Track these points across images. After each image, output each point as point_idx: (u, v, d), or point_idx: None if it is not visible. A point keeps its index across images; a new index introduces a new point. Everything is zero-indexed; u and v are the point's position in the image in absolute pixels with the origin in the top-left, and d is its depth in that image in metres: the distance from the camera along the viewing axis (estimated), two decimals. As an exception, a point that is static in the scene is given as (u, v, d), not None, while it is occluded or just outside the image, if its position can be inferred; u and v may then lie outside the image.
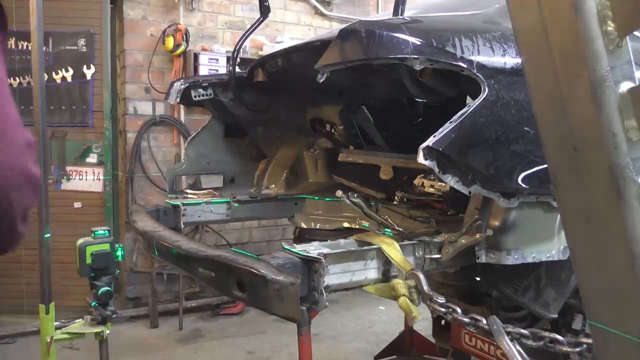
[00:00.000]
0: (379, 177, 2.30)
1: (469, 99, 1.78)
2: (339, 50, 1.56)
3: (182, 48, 4.27)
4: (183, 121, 4.43)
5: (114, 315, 1.69)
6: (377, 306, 4.46)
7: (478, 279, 1.89)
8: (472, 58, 1.51)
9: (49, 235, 1.70)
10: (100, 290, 1.65)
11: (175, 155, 4.42)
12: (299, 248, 1.46)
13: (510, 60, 1.57)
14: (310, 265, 1.39)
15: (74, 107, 4.15)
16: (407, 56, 1.47)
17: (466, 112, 1.43)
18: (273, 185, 2.87)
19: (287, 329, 3.79)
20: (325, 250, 1.46)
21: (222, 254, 1.50)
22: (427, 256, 1.63)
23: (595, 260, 0.76)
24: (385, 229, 1.72)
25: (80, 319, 1.89)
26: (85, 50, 4.05)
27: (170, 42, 4.23)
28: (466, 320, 1.30)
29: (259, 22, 2.55)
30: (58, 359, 1.99)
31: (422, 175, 2.06)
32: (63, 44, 4.03)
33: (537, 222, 1.63)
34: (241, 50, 2.64)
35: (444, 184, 1.93)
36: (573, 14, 0.70)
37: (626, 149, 0.70)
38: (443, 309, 1.35)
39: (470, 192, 1.46)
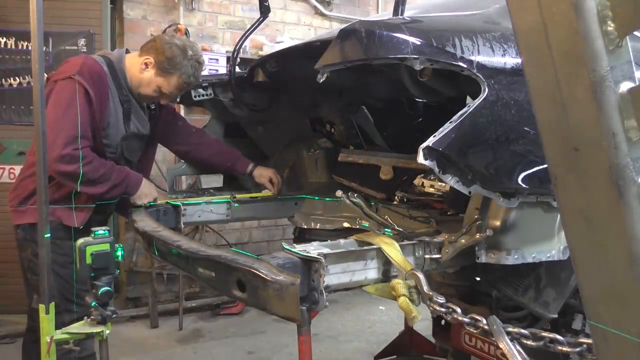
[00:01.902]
0: (379, 177, 2.30)
1: (469, 99, 1.78)
2: (339, 50, 1.56)
3: (182, 48, 4.26)
4: (183, 121, 4.42)
5: (114, 315, 1.68)
6: (377, 306, 4.46)
7: (478, 279, 1.89)
8: (472, 58, 1.51)
9: (49, 235, 1.69)
10: (100, 290, 1.64)
11: (175, 156, 4.41)
12: (299, 248, 1.45)
13: (510, 60, 1.57)
14: (310, 265, 1.39)
15: (74, 107, 4.14)
16: (407, 56, 1.47)
17: (466, 112, 1.43)
18: (273, 185, 2.86)
19: (287, 329, 3.79)
20: (325, 250, 1.46)
21: (222, 254, 1.50)
22: (427, 256, 1.63)
23: (595, 260, 0.76)
24: (385, 229, 1.72)
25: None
26: (85, 50, 4.05)
27: (170, 42, 4.22)
28: (466, 320, 1.30)
29: (259, 22, 2.55)
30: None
31: (422, 175, 2.06)
32: (63, 44, 4.03)
33: (537, 222, 1.63)
34: (241, 50, 2.64)
35: (444, 184, 1.93)
36: (573, 14, 0.70)
37: (626, 149, 0.70)
38: (443, 309, 1.35)
39: (470, 192, 1.46)
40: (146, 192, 2.33)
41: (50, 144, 2.00)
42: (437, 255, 1.64)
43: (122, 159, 2.34)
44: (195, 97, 2.61)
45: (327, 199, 2.56)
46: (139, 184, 2.29)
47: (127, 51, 2.41)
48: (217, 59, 4.36)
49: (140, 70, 2.30)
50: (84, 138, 2.10)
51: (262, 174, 2.64)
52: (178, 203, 2.45)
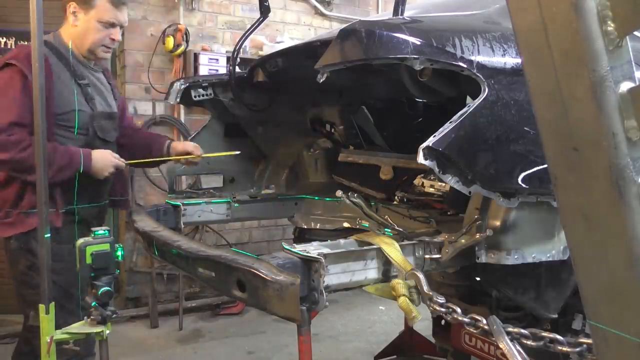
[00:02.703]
0: (379, 177, 2.30)
1: (469, 99, 1.78)
2: (339, 50, 1.56)
3: (182, 48, 4.27)
4: (183, 121, 4.43)
5: (114, 315, 1.68)
6: (377, 306, 4.46)
7: (478, 279, 1.90)
8: (472, 58, 1.51)
9: (49, 235, 1.69)
10: (100, 290, 1.64)
11: (175, 155, 4.41)
12: (299, 248, 1.46)
13: (510, 60, 1.57)
14: (310, 265, 1.39)
15: (74, 107, 4.14)
16: (407, 56, 1.47)
17: (466, 112, 1.43)
18: (273, 185, 2.87)
19: (287, 329, 3.79)
20: (325, 250, 1.46)
21: (222, 254, 1.50)
22: (427, 256, 1.63)
23: (595, 260, 0.76)
24: (385, 229, 1.72)
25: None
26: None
27: (170, 42, 4.22)
28: (466, 320, 1.30)
29: (259, 22, 2.54)
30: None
31: (422, 175, 2.06)
32: (63, 44, 4.03)
33: (537, 222, 1.63)
34: (241, 50, 2.64)
35: (444, 184, 1.93)
36: (573, 14, 0.70)
37: (626, 149, 0.70)
38: (443, 309, 1.35)
39: (470, 192, 1.46)
40: (103, 165, 2.22)
41: None
42: (437, 255, 1.64)
43: (97, 139, 2.29)
44: (195, 97, 2.61)
45: (327, 199, 2.56)
46: (89, 158, 2.18)
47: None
48: (217, 59, 4.36)
49: (73, 24, 2.25)
50: (19, 125, 2.03)
51: (178, 145, 2.56)
52: (178, 203, 2.45)
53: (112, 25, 2.30)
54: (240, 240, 4.71)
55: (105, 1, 2.25)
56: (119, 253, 1.71)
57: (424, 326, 2.89)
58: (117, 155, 2.30)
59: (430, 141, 1.36)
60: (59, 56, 2.21)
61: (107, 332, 1.68)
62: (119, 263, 1.79)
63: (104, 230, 1.71)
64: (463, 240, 1.59)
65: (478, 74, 1.49)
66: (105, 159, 2.24)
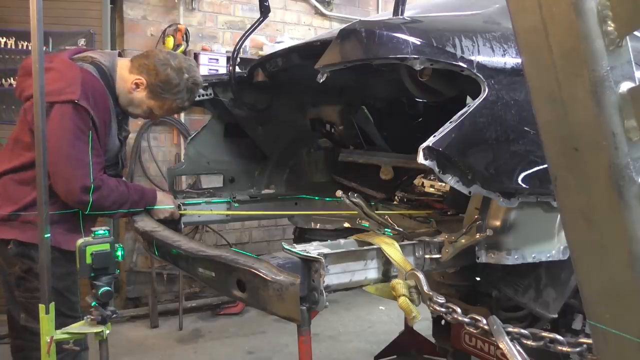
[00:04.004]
0: (379, 177, 2.30)
1: (469, 99, 1.78)
2: (339, 50, 1.56)
3: (182, 48, 4.26)
4: (183, 121, 4.43)
5: (114, 315, 1.68)
6: (377, 306, 4.46)
7: (478, 279, 1.90)
8: (472, 58, 1.51)
9: (49, 235, 1.69)
10: (100, 290, 1.64)
11: (175, 155, 4.42)
12: (299, 248, 1.46)
13: (510, 60, 1.57)
14: (310, 265, 1.39)
15: (74, 107, 4.13)
16: (407, 56, 1.47)
17: (466, 112, 1.43)
18: (273, 185, 2.87)
19: (287, 329, 3.80)
20: (325, 250, 1.46)
21: (222, 254, 1.50)
22: (427, 256, 1.63)
23: (595, 260, 0.76)
24: (385, 229, 1.72)
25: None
26: (85, 50, 4.04)
27: (170, 42, 4.22)
28: (466, 320, 1.30)
29: (259, 22, 2.54)
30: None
31: (422, 175, 2.06)
32: (63, 44, 4.02)
33: (537, 222, 1.63)
34: (241, 50, 2.64)
35: (444, 184, 1.94)
36: (573, 14, 0.70)
37: (626, 149, 0.69)
38: (443, 309, 1.35)
39: (470, 192, 1.46)
40: (162, 208, 2.25)
41: (69, 178, 1.94)
42: (437, 255, 1.64)
43: (121, 165, 2.30)
44: (195, 97, 2.61)
45: (327, 199, 2.56)
46: (154, 198, 2.24)
47: (120, 54, 2.28)
48: (217, 59, 4.36)
49: (129, 90, 2.15)
50: (100, 164, 2.04)
51: None
52: (178, 203, 2.45)
53: (157, 117, 2.29)
54: (240, 240, 4.71)
55: (171, 105, 2.19)
56: (119, 253, 1.71)
57: (424, 326, 2.89)
58: (176, 202, 2.32)
59: (430, 141, 1.36)
60: (109, 88, 2.10)
61: (107, 332, 1.68)
62: (119, 263, 1.79)
63: (104, 230, 1.70)
64: (463, 240, 1.59)
65: (478, 74, 1.49)
66: (167, 203, 2.27)
